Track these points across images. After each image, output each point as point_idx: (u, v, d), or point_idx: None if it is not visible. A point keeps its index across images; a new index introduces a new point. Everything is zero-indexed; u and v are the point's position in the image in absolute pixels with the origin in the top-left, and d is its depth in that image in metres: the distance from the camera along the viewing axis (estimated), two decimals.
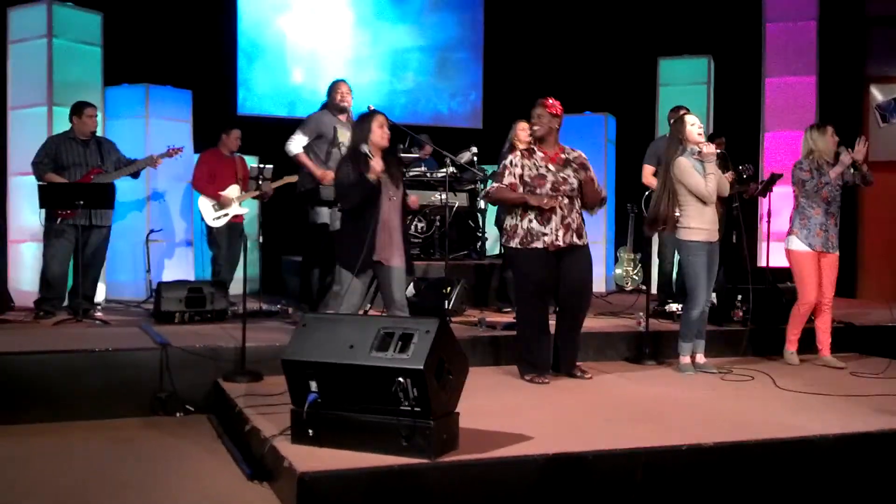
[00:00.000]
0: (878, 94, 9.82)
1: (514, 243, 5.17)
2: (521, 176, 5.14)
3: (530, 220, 5.11)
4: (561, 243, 5.08)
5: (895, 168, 9.05)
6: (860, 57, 9.98)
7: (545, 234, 5.08)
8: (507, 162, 5.26)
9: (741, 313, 6.45)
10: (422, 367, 3.33)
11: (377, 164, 4.94)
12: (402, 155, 7.88)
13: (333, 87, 6.40)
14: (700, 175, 5.39)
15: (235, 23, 9.39)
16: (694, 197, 5.42)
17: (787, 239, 5.94)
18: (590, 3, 10.24)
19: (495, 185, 5.27)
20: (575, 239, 5.14)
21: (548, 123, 5.19)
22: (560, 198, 5.09)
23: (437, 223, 7.75)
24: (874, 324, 6.99)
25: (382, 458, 3.35)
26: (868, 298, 8.95)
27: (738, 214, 6.01)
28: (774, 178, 7.43)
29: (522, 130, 6.69)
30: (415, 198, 5.40)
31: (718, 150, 5.59)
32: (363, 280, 5.08)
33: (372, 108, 5.23)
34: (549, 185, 5.09)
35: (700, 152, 5.40)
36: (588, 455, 3.57)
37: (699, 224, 5.45)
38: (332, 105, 6.36)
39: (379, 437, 3.43)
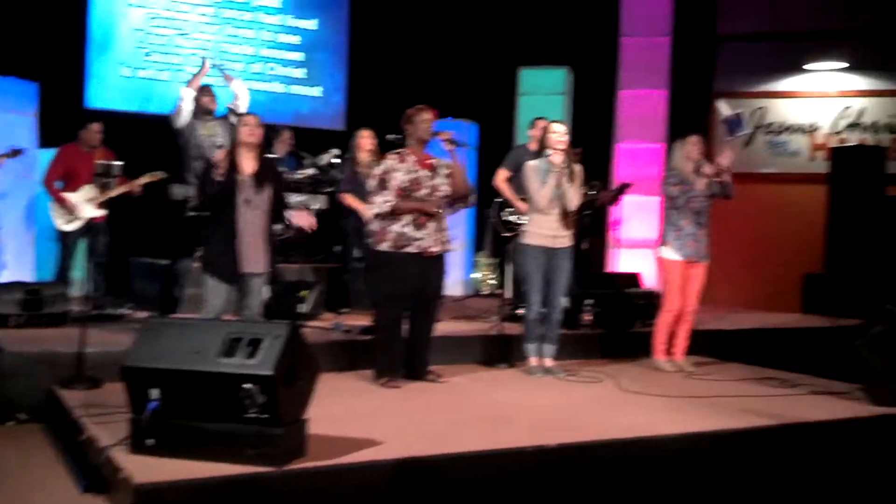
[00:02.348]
0: (724, 108, 10.35)
1: (385, 246, 5.11)
2: (397, 182, 5.09)
3: (405, 225, 5.08)
4: (436, 249, 5.10)
5: (741, 180, 9.56)
6: (709, 72, 10.52)
7: (419, 240, 5.07)
8: (380, 170, 5.16)
9: (590, 317, 6.65)
10: (270, 373, 3.26)
11: (222, 162, 4.84)
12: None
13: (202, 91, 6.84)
14: (540, 182, 5.52)
15: (86, 13, 8.97)
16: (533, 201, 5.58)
17: (658, 248, 6.11)
18: (454, 11, 10.34)
19: (389, 201, 5.10)
20: (446, 246, 5.19)
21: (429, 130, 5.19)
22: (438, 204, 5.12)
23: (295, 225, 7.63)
24: (730, 328, 7.39)
25: (228, 467, 3.25)
26: (718, 305, 9.41)
27: (589, 222, 6.19)
28: (623, 188, 7.70)
29: (364, 139, 6.81)
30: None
31: (568, 158, 5.69)
32: (224, 285, 4.94)
33: (231, 107, 5.18)
34: (425, 190, 5.09)
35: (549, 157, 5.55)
36: (439, 458, 3.59)
37: (536, 229, 5.59)
38: (199, 109, 6.76)
39: (225, 445, 3.32)
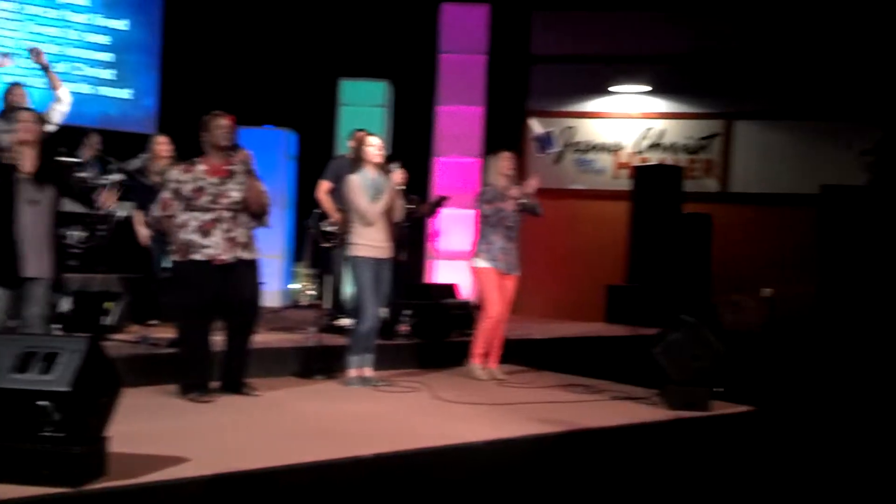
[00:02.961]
0: (536, 126, 10.79)
1: (176, 256, 4.98)
2: (179, 191, 4.97)
3: (191, 232, 4.94)
4: (225, 257, 4.97)
5: (551, 196, 9.96)
6: (523, 91, 10.93)
7: (206, 247, 4.94)
8: (170, 179, 5.06)
9: (407, 328, 6.73)
10: (67, 390, 3.09)
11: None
12: (63, 158, 7.31)
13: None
14: (365, 195, 5.57)
15: None
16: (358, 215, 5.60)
17: (472, 259, 6.26)
18: (276, 17, 10.20)
19: (161, 212, 5.06)
20: (241, 253, 5.04)
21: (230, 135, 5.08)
22: (221, 211, 4.98)
23: (100, 233, 7.26)
24: (540, 337, 7.66)
25: (22, 488, 3.04)
26: (527, 315, 9.74)
27: (408, 234, 6.27)
28: (440, 201, 7.84)
29: (160, 145, 6.81)
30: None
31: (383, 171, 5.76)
32: (2, 290, 4.61)
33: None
34: (207, 198, 4.96)
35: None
36: (251, 474, 3.51)
37: (365, 241, 5.62)
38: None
39: (17, 466, 3.11)
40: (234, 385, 5.16)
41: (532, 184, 6.25)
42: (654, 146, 10.97)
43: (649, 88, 10.91)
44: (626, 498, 4.46)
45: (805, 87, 10.25)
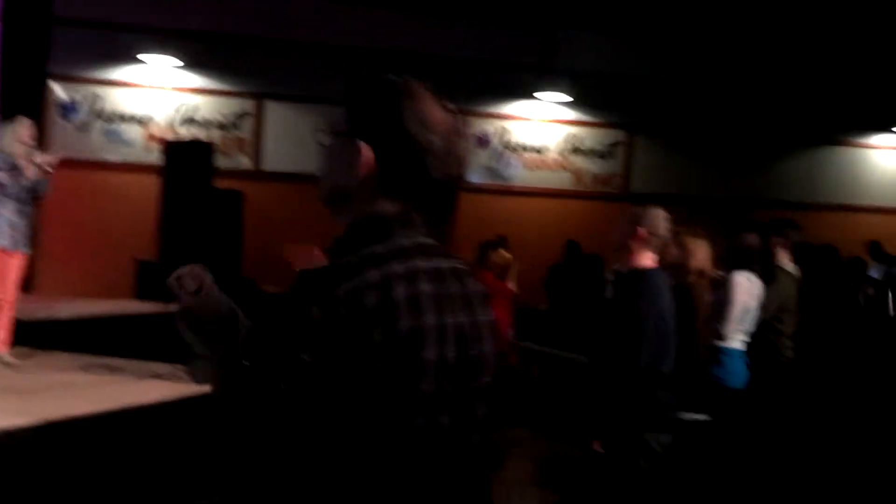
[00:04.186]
0: (60, 91, 10.11)
1: None
2: None
3: None
4: None
5: (75, 166, 9.42)
6: (44, 55, 10.12)
7: None
8: None
9: None
10: None
11: None
12: None
13: None
14: None
15: None
16: None
17: None
18: None
19: None
20: None
21: None
22: None
23: None
24: (61, 318, 7.23)
25: None
26: (48, 294, 9.14)
27: None
28: None
29: None
30: None
31: None
32: None
33: None
34: None
35: None
36: None
37: None
38: None
39: None
40: None
41: (52, 160, 5.91)
42: (188, 121, 10.90)
43: (182, 63, 10.80)
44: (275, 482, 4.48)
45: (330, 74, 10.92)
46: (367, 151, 1.62)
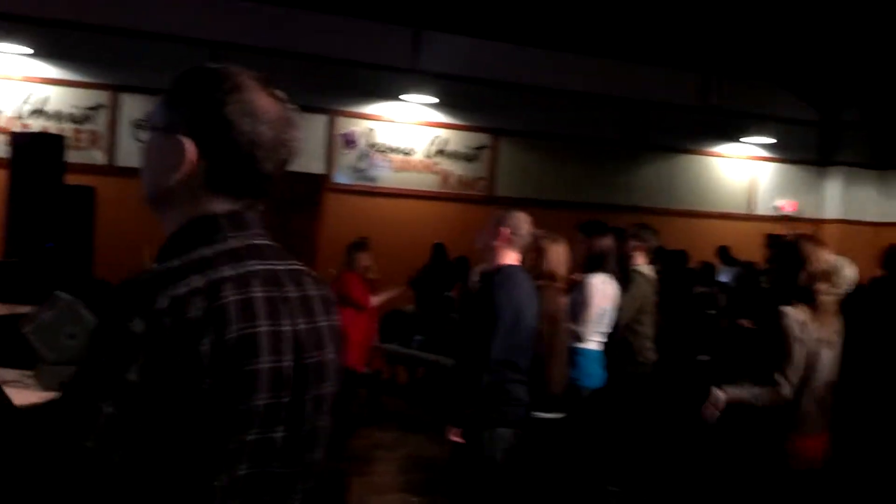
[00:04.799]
0: None
1: None
2: None
3: None
4: None
5: None
6: None
7: None
8: None
9: None
10: None
11: None
12: None
13: None
14: None
15: None
16: None
17: None
18: None
19: None
20: None
21: None
22: None
23: None
24: None
25: None
26: None
27: None
28: None
29: None
30: None
31: None
32: None
33: None
34: None
35: None
36: None
37: None
38: None
39: None
40: None
41: None
42: (37, 112, 10.35)
43: (31, 51, 10.23)
44: None
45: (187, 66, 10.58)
46: (189, 147, 1.49)
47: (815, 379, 3.96)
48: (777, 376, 3.85)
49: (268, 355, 1.44)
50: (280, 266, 1.54)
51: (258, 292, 1.46)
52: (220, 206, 1.52)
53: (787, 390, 3.85)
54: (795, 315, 3.90)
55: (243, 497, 1.44)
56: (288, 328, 1.49)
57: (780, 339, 3.87)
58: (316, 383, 1.55)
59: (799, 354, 3.88)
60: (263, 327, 1.44)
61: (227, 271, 1.44)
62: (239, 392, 1.40)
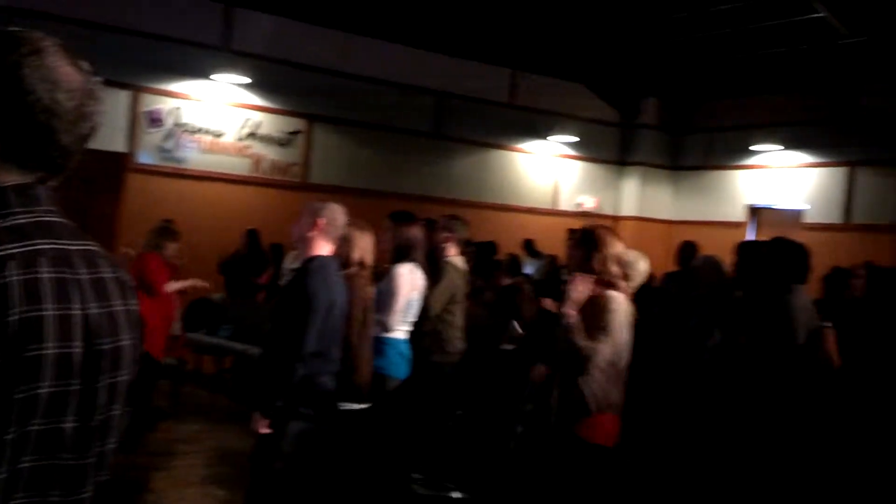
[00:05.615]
0: None
1: None
2: None
3: None
4: None
5: None
6: None
7: None
8: None
9: None
10: None
11: None
12: None
13: None
14: None
15: None
16: None
17: None
18: None
19: None
20: None
21: None
22: None
23: None
24: None
25: None
26: None
27: None
28: None
29: None
30: None
31: None
32: None
33: None
34: None
35: None
36: None
37: None
38: None
39: None
40: None
41: None
42: None
43: None
44: None
45: None
46: None
47: (619, 361, 4.23)
48: (599, 335, 4.11)
49: (54, 340, 1.34)
50: (72, 246, 1.44)
51: (45, 273, 1.35)
52: (9, 177, 1.40)
53: (595, 354, 4.09)
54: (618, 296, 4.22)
55: (29, 489, 1.35)
56: (78, 312, 1.40)
57: (603, 313, 4.15)
58: (110, 370, 1.46)
59: (618, 330, 4.17)
60: (49, 310, 1.34)
61: (11, 249, 1.32)
62: (19, 379, 1.30)
